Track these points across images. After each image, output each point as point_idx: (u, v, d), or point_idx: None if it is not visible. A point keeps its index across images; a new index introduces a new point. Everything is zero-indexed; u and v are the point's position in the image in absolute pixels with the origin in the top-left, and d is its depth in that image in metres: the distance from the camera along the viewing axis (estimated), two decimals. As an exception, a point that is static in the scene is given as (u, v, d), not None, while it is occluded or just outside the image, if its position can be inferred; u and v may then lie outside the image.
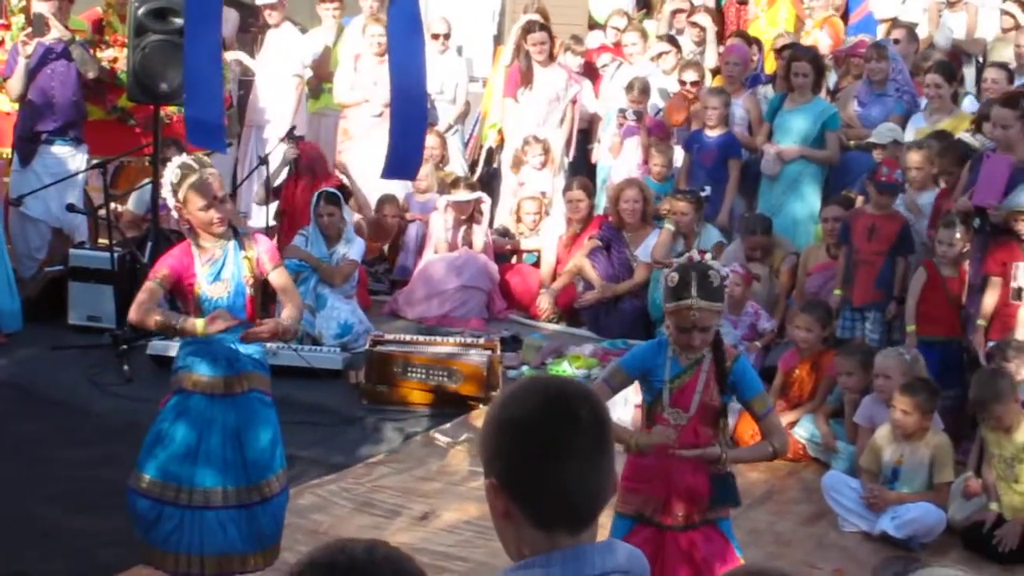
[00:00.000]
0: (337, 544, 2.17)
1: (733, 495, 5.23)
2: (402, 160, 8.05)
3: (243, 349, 5.72)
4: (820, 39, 12.62)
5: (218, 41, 8.99)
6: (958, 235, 8.23)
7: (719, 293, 4.93)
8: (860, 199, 9.89)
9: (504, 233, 11.61)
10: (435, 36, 12.14)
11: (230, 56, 11.83)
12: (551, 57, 11.98)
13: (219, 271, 5.66)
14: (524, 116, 11.93)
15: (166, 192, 5.70)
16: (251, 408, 5.75)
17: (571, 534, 2.48)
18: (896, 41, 11.56)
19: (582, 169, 12.18)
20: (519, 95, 11.94)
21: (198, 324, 5.57)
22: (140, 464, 5.68)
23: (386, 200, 11.40)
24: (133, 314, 5.65)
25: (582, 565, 2.45)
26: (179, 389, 5.71)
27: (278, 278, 5.83)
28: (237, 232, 5.80)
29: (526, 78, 11.88)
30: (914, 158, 9.16)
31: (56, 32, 10.19)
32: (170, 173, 5.68)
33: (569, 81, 11.97)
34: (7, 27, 11.20)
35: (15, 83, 9.91)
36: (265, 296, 9.93)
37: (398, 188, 11.66)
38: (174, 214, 5.75)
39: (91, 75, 10.42)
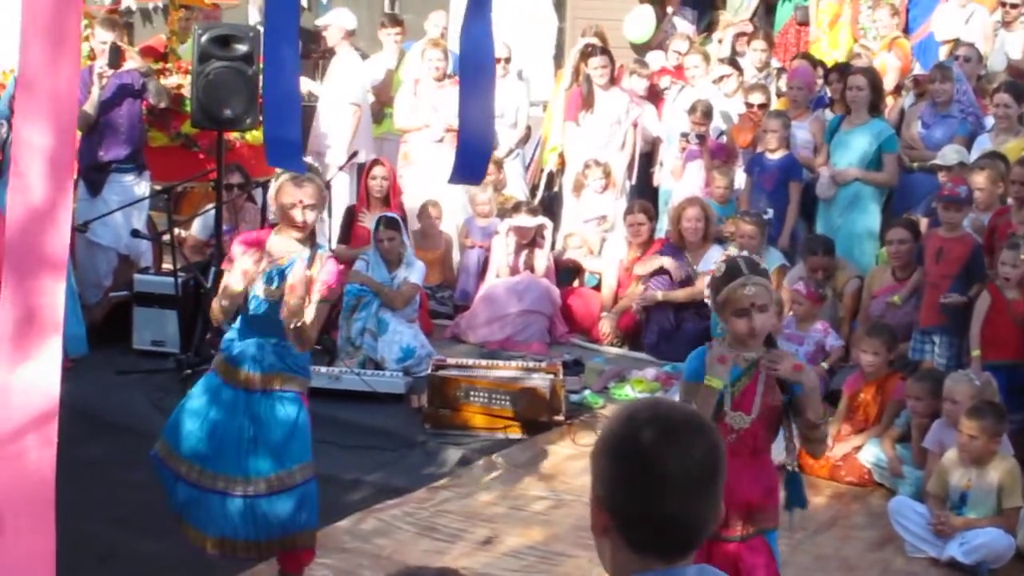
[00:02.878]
0: (408, 571, 2.16)
1: (802, 495, 5.18)
2: (470, 164, 8.05)
3: (273, 350, 5.84)
4: (888, 61, 12.53)
5: (297, 60, 9.04)
6: (1023, 256, 8.13)
7: (767, 274, 4.99)
8: (925, 222, 9.81)
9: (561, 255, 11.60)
10: (496, 60, 12.15)
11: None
12: (612, 80, 11.97)
13: (280, 276, 5.76)
14: (585, 140, 11.93)
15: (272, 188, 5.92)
16: (270, 405, 5.84)
17: (664, 562, 2.46)
18: (966, 60, 11.42)
19: (644, 192, 12.15)
20: (580, 119, 11.94)
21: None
22: (164, 429, 5.94)
23: (428, 204, 11.42)
24: (217, 300, 5.87)
25: None
26: (214, 370, 5.93)
27: (312, 309, 5.80)
28: (315, 248, 5.86)
29: (587, 102, 11.87)
30: (978, 179, 9.05)
31: (132, 63, 10.28)
32: (280, 173, 5.96)
33: (631, 104, 11.96)
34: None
35: (87, 113, 9.99)
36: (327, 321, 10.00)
37: (460, 214, 11.68)
38: (271, 205, 5.97)
39: (162, 105, 10.51)
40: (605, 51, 12.02)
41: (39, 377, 4.03)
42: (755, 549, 5.12)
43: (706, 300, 4.95)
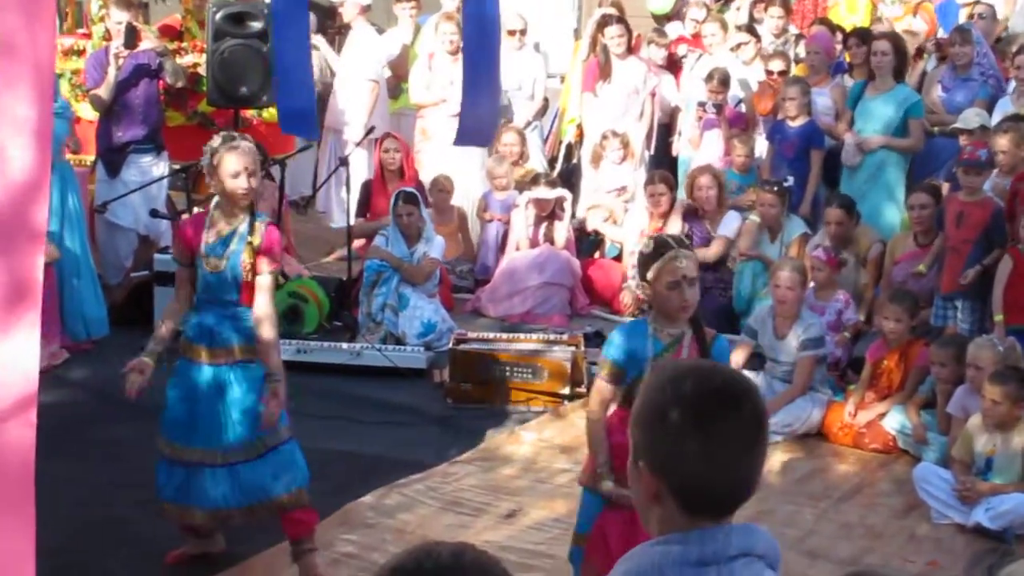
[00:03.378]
0: (424, 548, 2.14)
1: None
2: (475, 126, 7.99)
3: (228, 322, 5.89)
4: (914, 24, 12.44)
5: (307, 29, 9.06)
6: (1045, 221, 8.07)
7: (693, 249, 5.15)
8: (946, 186, 9.74)
9: (582, 226, 11.56)
10: (511, 32, 12.12)
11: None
12: (629, 50, 11.92)
13: (224, 247, 5.82)
14: (603, 110, 11.88)
15: (205, 159, 5.87)
16: (236, 375, 5.88)
17: (714, 520, 2.49)
18: (981, 17, 11.34)
19: (663, 162, 12.12)
20: (598, 89, 11.88)
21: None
22: (160, 429, 6.02)
23: (439, 178, 11.41)
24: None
25: (718, 544, 2.46)
26: (180, 355, 6.01)
27: (262, 280, 5.88)
28: (254, 216, 5.90)
29: (604, 72, 11.82)
30: (1001, 141, 8.97)
31: (148, 43, 10.27)
32: (214, 139, 5.90)
33: (648, 74, 11.91)
34: (88, 36, 11.31)
35: (104, 94, 9.97)
36: (345, 296, 10.00)
37: (478, 188, 11.67)
38: (209, 180, 5.94)
39: (179, 85, 10.49)
40: (622, 20, 11.97)
41: (17, 355, 3.99)
42: None
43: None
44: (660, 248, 4.96)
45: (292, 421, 6.73)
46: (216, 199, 5.91)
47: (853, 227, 9.80)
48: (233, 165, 5.76)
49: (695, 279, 4.95)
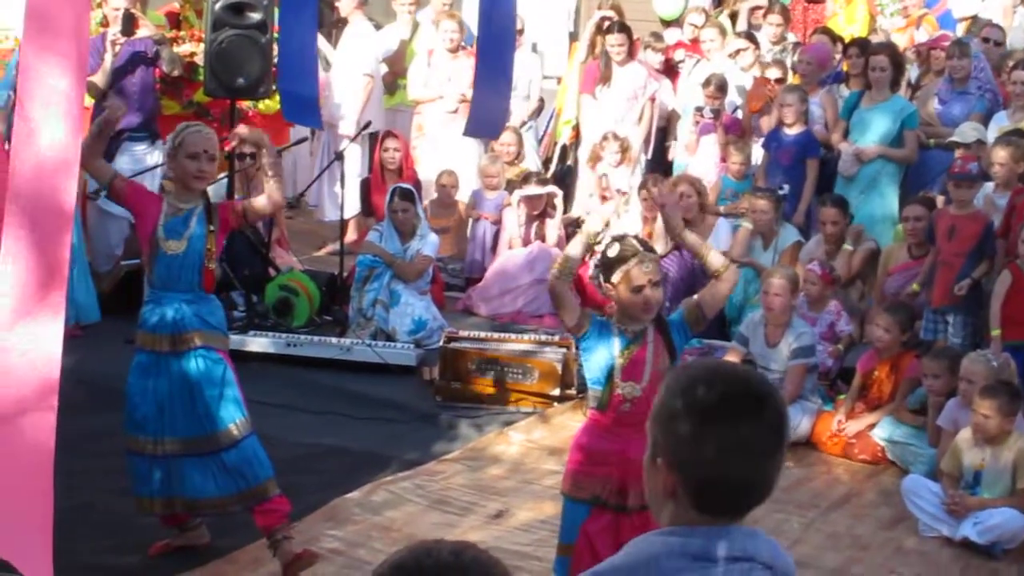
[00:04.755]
0: (423, 546, 2.13)
1: None
2: (485, 117, 7.97)
3: (191, 306, 5.92)
4: (917, 37, 12.46)
5: (314, 18, 9.01)
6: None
7: (655, 251, 5.20)
8: (940, 199, 9.74)
9: (575, 223, 11.54)
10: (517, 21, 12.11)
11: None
12: (630, 55, 11.90)
13: (181, 228, 5.87)
14: (602, 113, 11.86)
15: (167, 143, 6.02)
16: (196, 365, 5.90)
17: (725, 521, 2.50)
18: (986, 40, 11.36)
19: (659, 167, 12.10)
20: (597, 92, 11.86)
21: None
22: (125, 425, 6.01)
23: (443, 173, 11.45)
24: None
25: (723, 542, 2.47)
26: (139, 348, 6.00)
27: (259, 200, 6.12)
28: (208, 203, 5.98)
29: (604, 76, 11.80)
30: (1000, 154, 8.96)
31: (145, 31, 10.22)
32: (178, 126, 6.04)
33: (648, 78, 11.89)
34: (85, 22, 11.24)
35: (99, 81, 9.92)
36: (336, 291, 9.96)
37: (474, 185, 11.65)
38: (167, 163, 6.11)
39: (175, 73, 10.45)
40: (624, 27, 11.94)
41: (42, 337, 3.92)
42: (647, 519, 5.14)
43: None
44: (624, 252, 5.01)
45: (281, 415, 6.75)
46: (168, 184, 6.06)
47: (846, 226, 9.80)
48: (192, 147, 5.87)
49: (659, 281, 5.03)
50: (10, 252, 3.81)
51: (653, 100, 11.92)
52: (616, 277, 5.01)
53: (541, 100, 12.74)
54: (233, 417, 5.93)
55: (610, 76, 11.79)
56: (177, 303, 5.90)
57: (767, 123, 11.28)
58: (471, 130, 8.24)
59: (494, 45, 7.81)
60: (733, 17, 13.82)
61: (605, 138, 11.61)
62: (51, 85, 3.81)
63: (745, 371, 2.62)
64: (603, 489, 5.05)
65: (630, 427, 4.96)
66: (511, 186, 11.33)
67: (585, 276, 10.95)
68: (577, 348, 5.43)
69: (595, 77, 11.88)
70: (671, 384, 2.54)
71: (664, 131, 12.41)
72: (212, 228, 5.88)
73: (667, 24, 13.62)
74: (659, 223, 10.48)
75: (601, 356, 5.09)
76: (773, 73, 11.62)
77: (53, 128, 3.82)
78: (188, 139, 5.88)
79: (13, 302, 3.86)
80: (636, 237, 5.27)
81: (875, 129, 10.43)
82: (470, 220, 11.49)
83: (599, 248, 5.32)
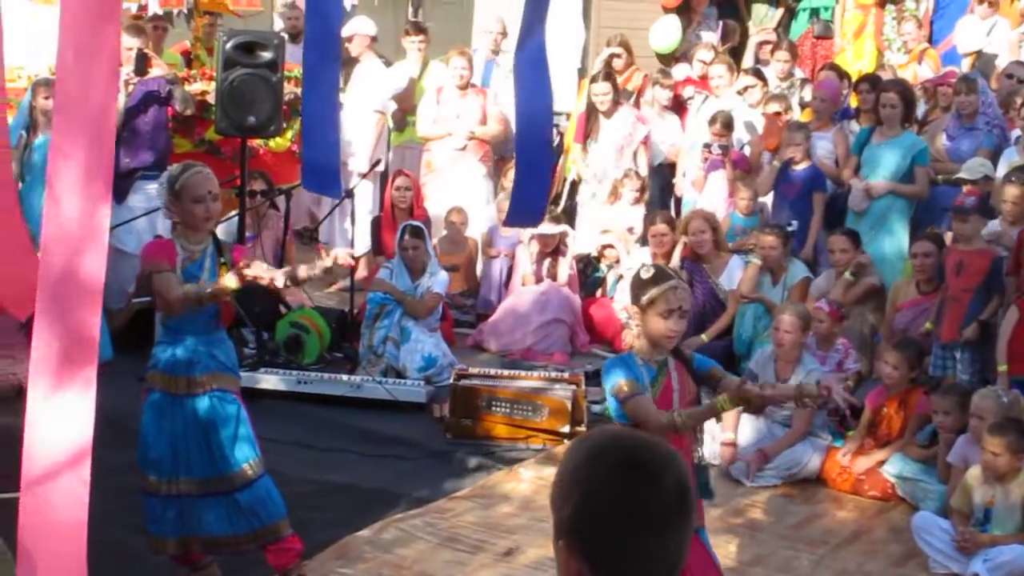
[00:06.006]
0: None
1: (709, 486, 5.22)
2: (526, 207, 8.03)
3: (207, 348, 5.93)
4: (919, 73, 12.50)
5: (337, 83, 9.06)
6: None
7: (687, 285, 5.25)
8: (949, 235, 9.76)
9: (586, 259, 11.57)
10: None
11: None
12: (616, 103, 11.93)
13: (198, 272, 5.87)
14: (593, 164, 11.96)
15: (162, 187, 5.91)
16: (210, 406, 5.92)
17: None
18: (1010, 76, 11.39)
19: (668, 203, 12.14)
20: (588, 145, 11.96)
21: (229, 280, 5.75)
22: (139, 464, 6.02)
23: (453, 210, 11.48)
24: (181, 300, 5.77)
25: None
26: (150, 388, 6.00)
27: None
28: (216, 239, 6.01)
29: (590, 129, 11.87)
30: (1012, 191, 8.97)
31: (158, 70, 10.29)
32: (170, 170, 5.98)
33: (636, 124, 11.93)
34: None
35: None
36: (347, 328, 9.99)
37: (483, 223, 11.69)
38: (164, 213, 6.01)
39: (188, 112, 10.51)
40: (609, 77, 11.99)
41: (71, 412, 3.93)
42: (695, 547, 5.15)
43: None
44: (660, 276, 5.07)
45: (292, 452, 6.74)
46: (176, 228, 5.94)
47: (854, 248, 9.83)
48: (197, 190, 5.83)
49: (687, 312, 5.06)
50: (42, 327, 3.85)
51: (646, 143, 11.97)
52: (646, 299, 5.03)
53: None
54: (247, 457, 5.95)
55: (597, 128, 11.85)
56: (192, 344, 5.92)
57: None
58: (511, 220, 8.31)
59: (532, 130, 7.86)
60: (734, 53, 13.89)
61: (627, 175, 11.67)
62: (75, 162, 3.84)
63: (642, 441, 2.42)
64: None
65: None
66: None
67: (592, 311, 11.02)
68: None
69: (583, 129, 11.96)
70: (566, 462, 2.41)
71: (672, 167, 12.45)
72: (223, 260, 5.89)
73: (675, 60, 13.68)
74: (674, 261, 10.53)
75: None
76: (773, 107, 11.67)
77: (78, 206, 3.84)
78: (190, 183, 5.82)
79: (47, 377, 3.88)
80: (671, 267, 5.32)
81: (886, 165, 10.46)
82: (484, 257, 11.54)
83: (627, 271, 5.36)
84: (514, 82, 7.82)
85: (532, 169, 8.00)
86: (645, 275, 5.09)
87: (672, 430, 4.96)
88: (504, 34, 12.89)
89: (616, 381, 5.08)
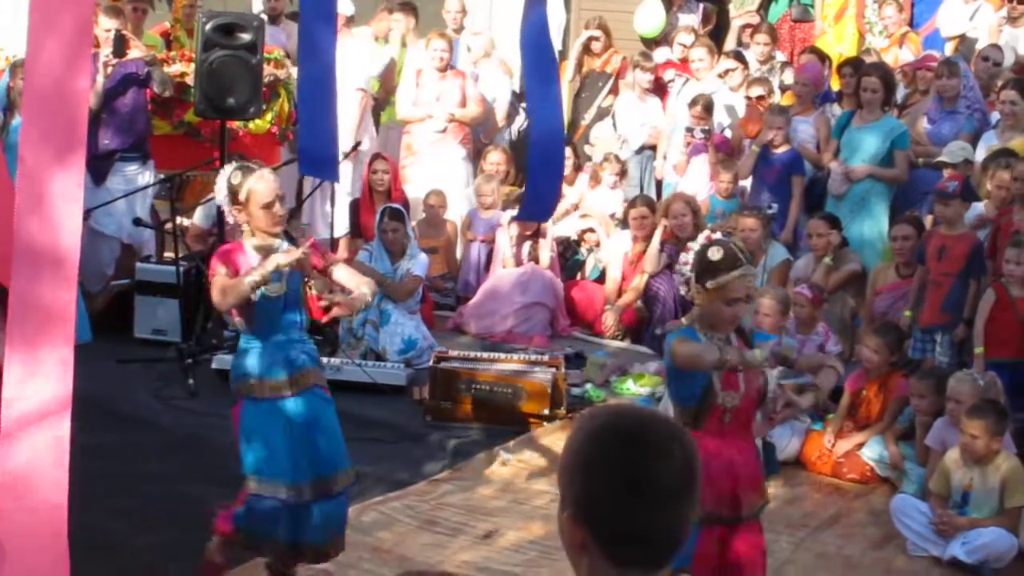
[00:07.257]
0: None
1: (776, 463, 5.25)
2: (539, 201, 8.05)
3: (297, 346, 5.81)
4: (900, 56, 12.50)
5: (332, 70, 9.03)
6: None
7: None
8: (930, 219, 9.77)
9: (565, 242, 11.57)
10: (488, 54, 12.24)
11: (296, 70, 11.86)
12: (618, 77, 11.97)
13: (279, 273, 5.66)
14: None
15: (221, 193, 5.74)
16: (315, 404, 5.84)
17: (644, 572, 2.39)
18: (985, 59, 11.39)
19: (649, 187, 12.14)
20: None
21: (278, 258, 5.59)
22: (248, 470, 5.76)
23: (431, 193, 11.45)
24: (220, 297, 5.66)
25: None
26: (249, 395, 5.76)
27: (339, 272, 5.87)
28: (289, 234, 5.94)
29: None
30: (1002, 176, 8.98)
31: (137, 52, 10.25)
32: (227, 174, 5.75)
33: None
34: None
35: (91, 102, 9.91)
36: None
37: (463, 206, 11.66)
38: (229, 218, 5.83)
39: (167, 94, 10.47)
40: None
41: (48, 394, 3.91)
42: (754, 529, 5.17)
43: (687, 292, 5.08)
44: (731, 261, 4.93)
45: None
46: (244, 231, 5.78)
47: (833, 232, 9.84)
48: (265, 197, 5.66)
49: (751, 298, 5.01)
50: (16, 312, 3.83)
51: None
52: (711, 283, 4.95)
53: (508, 116, 12.79)
54: (345, 464, 5.93)
55: None
56: (281, 346, 5.78)
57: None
58: (524, 214, 8.32)
59: (547, 126, 7.89)
60: (715, 36, 13.87)
61: (606, 158, 11.67)
62: (49, 149, 3.82)
63: (651, 416, 2.48)
64: (717, 505, 4.99)
65: (734, 435, 4.98)
66: (504, 206, 11.34)
67: (574, 294, 11.01)
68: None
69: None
70: (574, 434, 2.44)
71: (653, 150, 12.43)
72: (305, 252, 5.68)
73: (656, 43, 13.65)
74: (653, 244, 10.53)
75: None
76: (755, 91, 11.65)
77: (53, 187, 3.82)
78: (257, 189, 5.65)
79: (20, 366, 3.86)
80: (740, 247, 5.16)
81: (866, 149, 10.47)
82: (463, 240, 11.51)
83: (693, 246, 5.21)
84: (523, 75, 7.83)
85: (546, 163, 8.03)
86: (713, 256, 4.96)
87: (721, 366, 4.92)
88: (463, 11, 12.86)
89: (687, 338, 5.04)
